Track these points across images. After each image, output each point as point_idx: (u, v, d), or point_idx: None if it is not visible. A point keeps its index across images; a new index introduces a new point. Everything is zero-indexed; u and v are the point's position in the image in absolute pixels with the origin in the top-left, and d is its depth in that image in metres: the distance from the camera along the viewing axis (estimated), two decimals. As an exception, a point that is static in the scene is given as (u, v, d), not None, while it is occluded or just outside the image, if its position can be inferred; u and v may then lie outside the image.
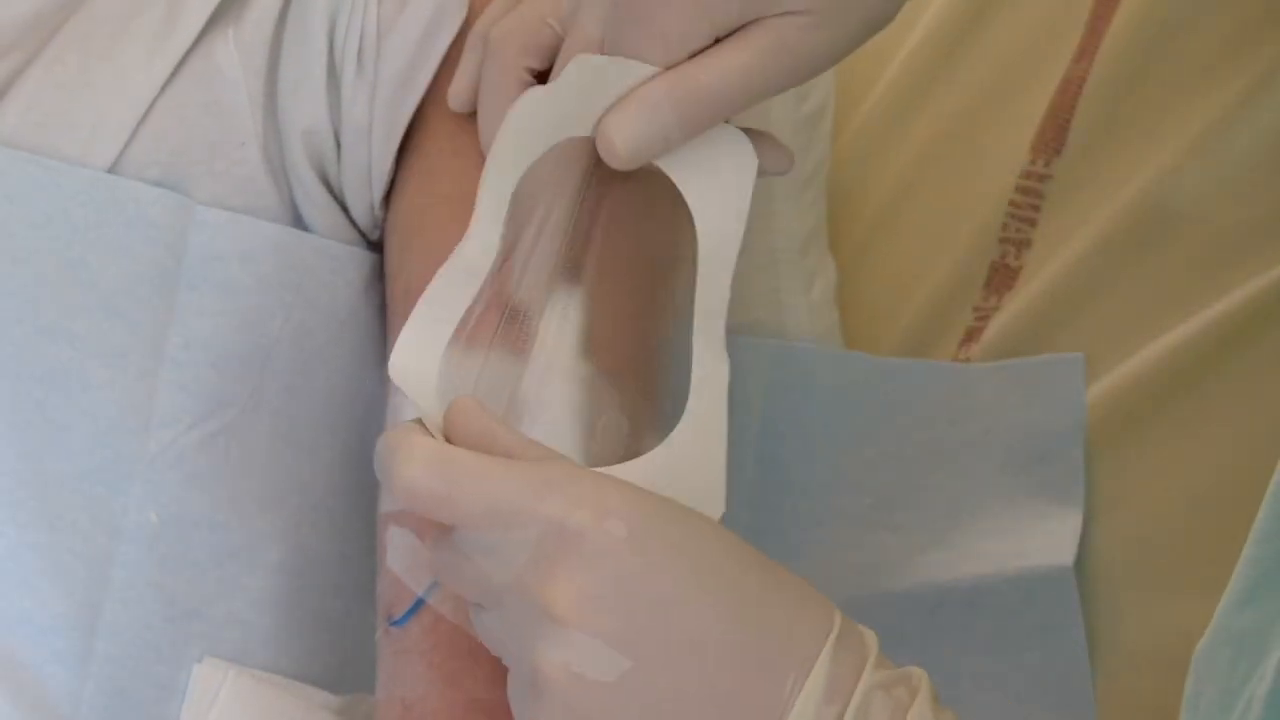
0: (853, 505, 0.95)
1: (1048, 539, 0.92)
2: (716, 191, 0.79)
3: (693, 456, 0.78)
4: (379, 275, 0.87)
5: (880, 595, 0.93)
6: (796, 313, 0.99)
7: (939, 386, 0.97)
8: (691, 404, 0.78)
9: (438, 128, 0.84)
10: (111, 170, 0.82)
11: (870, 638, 0.72)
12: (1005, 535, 0.93)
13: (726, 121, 0.79)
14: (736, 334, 0.99)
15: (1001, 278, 1.00)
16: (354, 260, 0.85)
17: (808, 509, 0.95)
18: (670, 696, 0.69)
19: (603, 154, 0.77)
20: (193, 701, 0.82)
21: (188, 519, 0.83)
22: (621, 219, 0.81)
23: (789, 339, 1.02)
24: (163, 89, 0.83)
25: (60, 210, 0.81)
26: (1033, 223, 1.00)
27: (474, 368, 0.78)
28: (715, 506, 0.77)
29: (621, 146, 0.76)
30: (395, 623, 0.78)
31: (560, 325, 0.79)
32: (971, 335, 0.99)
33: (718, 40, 0.76)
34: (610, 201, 0.80)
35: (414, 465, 0.70)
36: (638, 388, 0.81)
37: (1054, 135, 1.00)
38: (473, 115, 0.83)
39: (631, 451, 0.79)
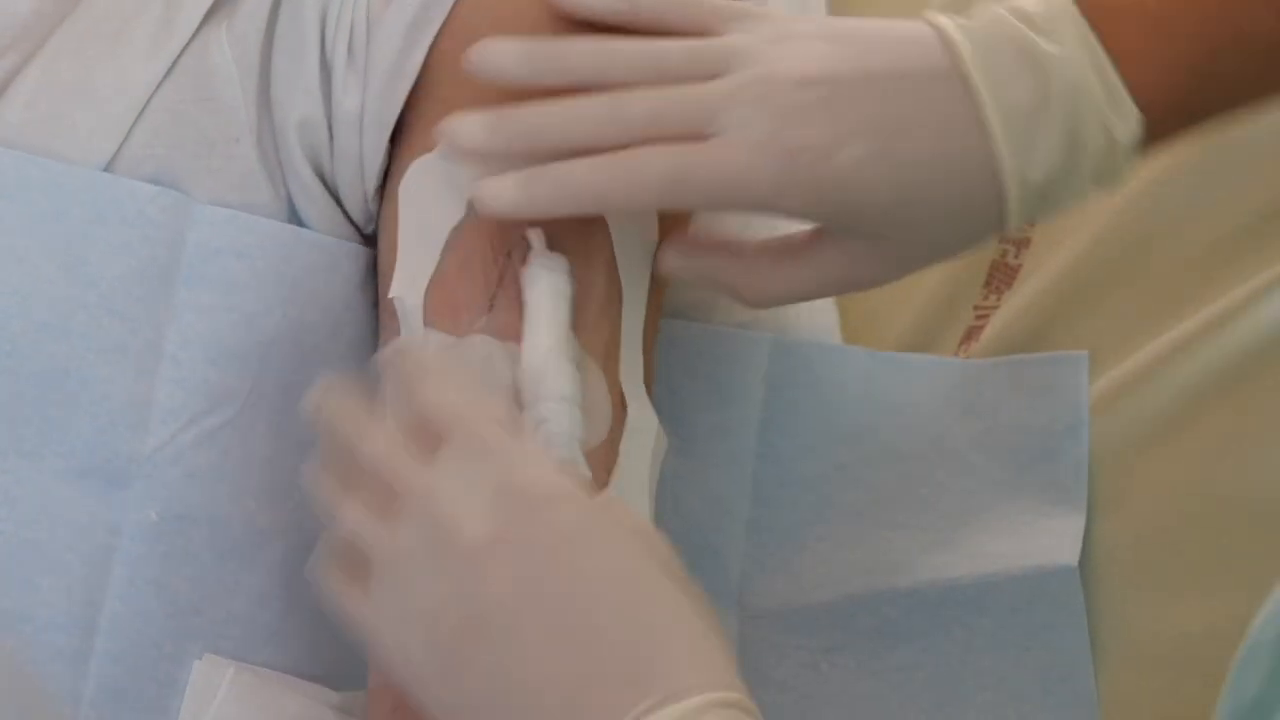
0: (854, 501, 0.95)
1: (1051, 538, 0.91)
2: None
3: None
4: (374, 270, 0.87)
5: (883, 593, 0.93)
6: (796, 312, 0.98)
7: (941, 382, 0.96)
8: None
9: (430, 118, 0.84)
10: (108, 168, 0.83)
11: None
12: (1008, 534, 0.93)
13: None
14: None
15: (1001, 276, 1.00)
16: (349, 255, 0.86)
17: (808, 504, 0.95)
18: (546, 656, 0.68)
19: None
20: (193, 698, 0.82)
21: (187, 516, 0.83)
22: None
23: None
24: (158, 86, 0.83)
25: (58, 208, 0.82)
26: (1032, 221, 1.00)
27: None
28: None
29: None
30: None
31: (552, 298, 0.79)
32: (971, 334, 0.99)
33: None
34: None
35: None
36: (612, 378, 0.81)
37: (1055, 135, 1.00)
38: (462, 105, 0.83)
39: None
